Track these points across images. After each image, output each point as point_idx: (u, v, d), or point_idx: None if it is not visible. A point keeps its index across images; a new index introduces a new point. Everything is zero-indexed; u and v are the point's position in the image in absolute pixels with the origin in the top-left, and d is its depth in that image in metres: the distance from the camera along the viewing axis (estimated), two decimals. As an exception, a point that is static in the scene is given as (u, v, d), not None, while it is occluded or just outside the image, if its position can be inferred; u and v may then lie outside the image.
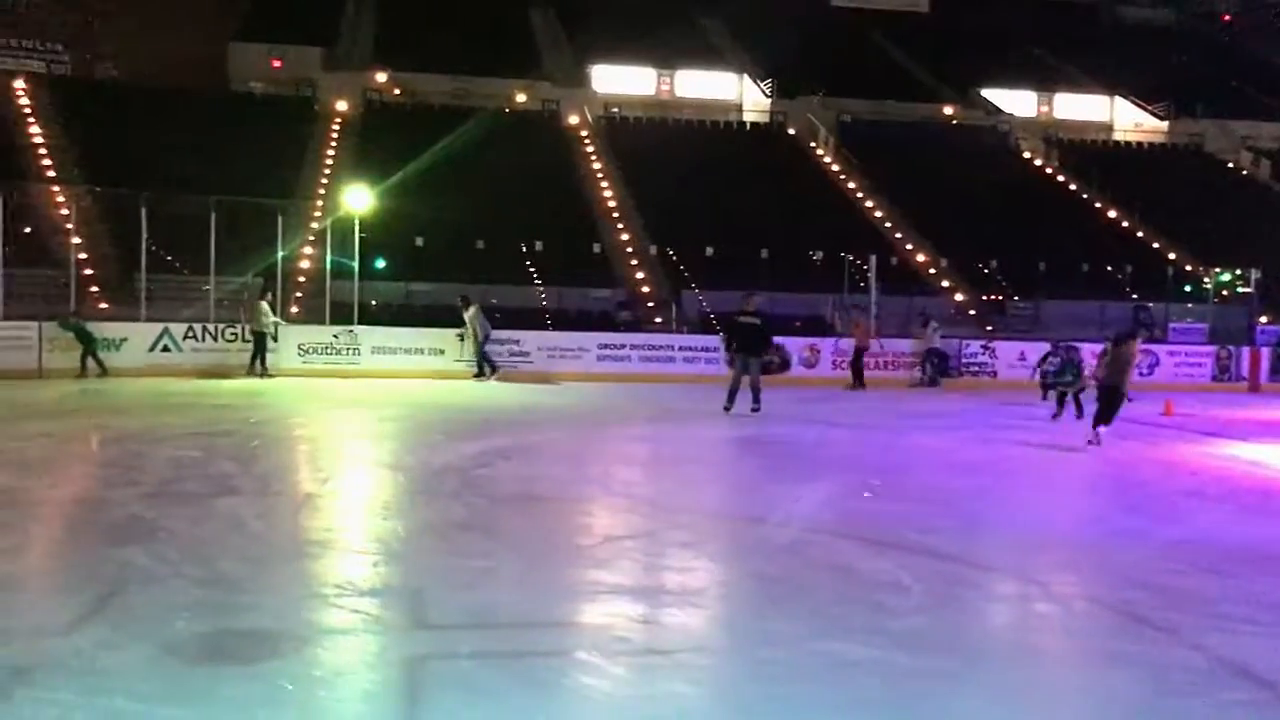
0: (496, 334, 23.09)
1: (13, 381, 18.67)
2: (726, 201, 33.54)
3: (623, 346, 24.05)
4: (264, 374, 21.22)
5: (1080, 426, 14.86)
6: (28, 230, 25.69)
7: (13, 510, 8.57)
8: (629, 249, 33.39)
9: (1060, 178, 42.77)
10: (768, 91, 47.29)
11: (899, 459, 13.00)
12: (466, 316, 22.45)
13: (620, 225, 34.79)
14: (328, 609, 5.99)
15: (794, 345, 24.23)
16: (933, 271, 33.96)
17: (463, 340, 22.87)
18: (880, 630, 5.75)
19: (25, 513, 8.63)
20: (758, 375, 16.29)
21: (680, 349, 24.28)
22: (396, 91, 43.84)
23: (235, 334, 22.14)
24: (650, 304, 30.11)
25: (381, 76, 44.06)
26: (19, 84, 36.99)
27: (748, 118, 47.23)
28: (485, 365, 22.39)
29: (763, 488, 10.59)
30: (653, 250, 32.59)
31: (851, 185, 39.81)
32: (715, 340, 23.78)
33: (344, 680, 4.96)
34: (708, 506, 9.74)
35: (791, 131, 44.72)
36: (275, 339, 21.83)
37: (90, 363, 20.45)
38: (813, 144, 43.58)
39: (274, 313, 22.00)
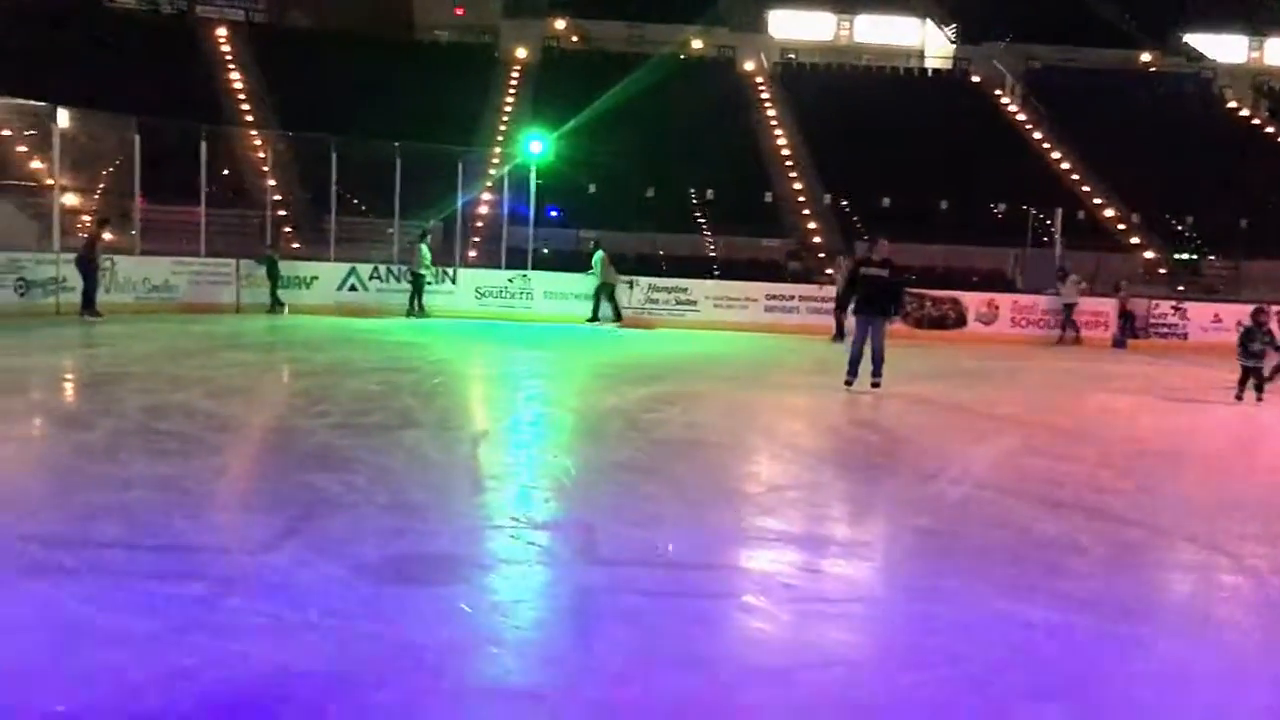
0: (663, 281, 23.28)
1: (213, 315, 19.92)
2: (904, 151, 32.69)
3: (791, 297, 23.86)
4: (420, 314, 21.97)
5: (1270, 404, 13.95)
6: (226, 172, 27.13)
7: (217, 433, 9.21)
8: (801, 198, 32.99)
9: (1269, 129, 39.98)
10: (952, 37, 45.70)
11: (1075, 421, 12.55)
12: (595, 260, 22.70)
13: (793, 174, 34.38)
14: (504, 539, 6.23)
15: (972, 300, 23.57)
16: (1122, 227, 32.41)
17: (631, 288, 23.13)
18: (1056, 592, 5.62)
19: (227, 437, 9.26)
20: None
21: (1062, 310, 23.72)
22: (574, 38, 44.24)
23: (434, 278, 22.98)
24: (821, 255, 29.73)
25: (560, 23, 44.49)
26: (220, 32, 38.92)
27: (929, 64, 45.80)
28: (601, 310, 22.65)
29: (933, 444, 10.41)
30: (825, 200, 32.11)
31: (1038, 136, 38.22)
32: (1058, 301, 23.16)
33: (520, 607, 5.17)
34: (875, 461, 9.65)
35: (976, 79, 43.14)
36: (433, 280, 22.57)
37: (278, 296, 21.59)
38: (998, 92, 41.94)
39: (442, 255, 22.76)
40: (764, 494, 7.85)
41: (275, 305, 21.50)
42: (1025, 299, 23.58)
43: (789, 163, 35.05)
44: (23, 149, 25.72)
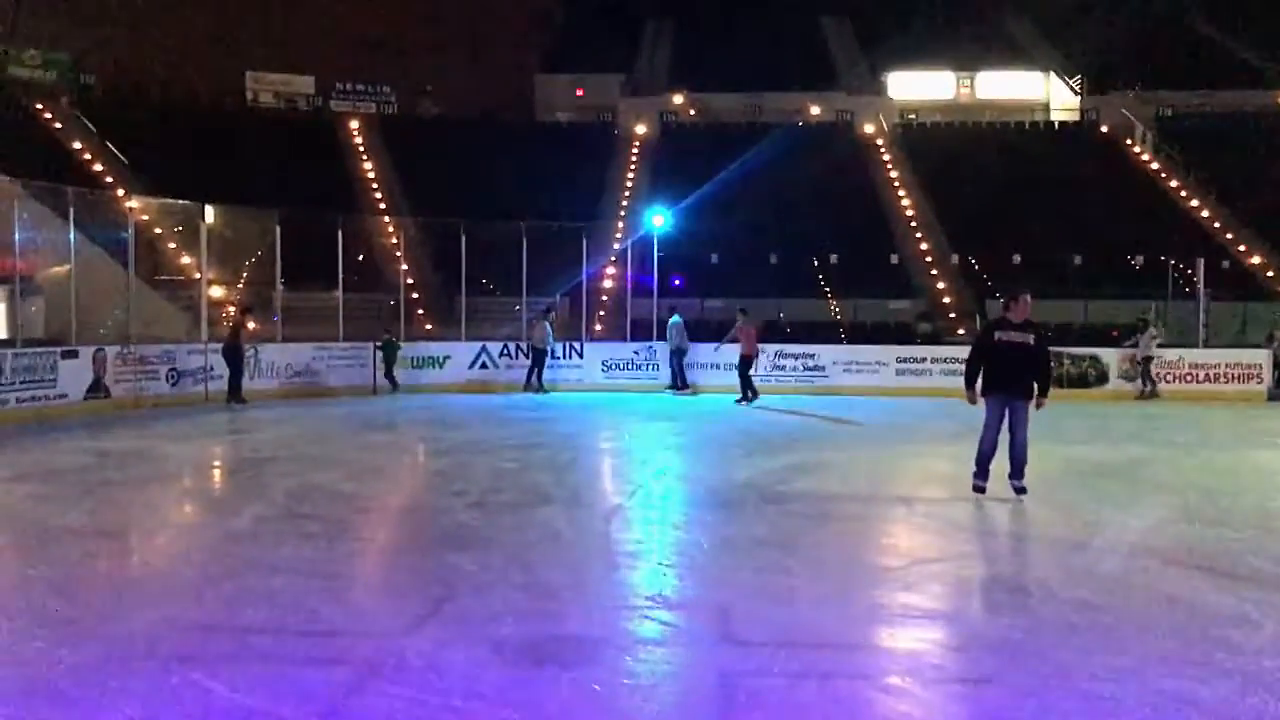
0: (789, 348, 23.15)
1: (352, 398, 20.54)
2: (1033, 205, 32.06)
3: (923, 360, 23.40)
4: (539, 389, 22.19)
5: None
6: (361, 258, 28.15)
7: (358, 515, 9.43)
8: (928, 258, 32.54)
9: None
10: (1077, 88, 44.82)
11: (1231, 480, 11.91)
12: (670, 327, 22.87)
13: (919, 234, 33.99)
14: (639, 619, 6.18)
15: (1113, 357, 22.76)
16: (1271, 274, 30.98)
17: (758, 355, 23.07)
18: (1224, 670, 5.29)
19: (368, 518, 9.46)
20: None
21: (1139, 362, 23.10)
22: (692, 112, 44.88)
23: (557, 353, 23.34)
24: (952, 315, 29.17)
25: (678, 98, 45.24)
26: (354, 124, 40.69)
27: (1055, 117, 44.98)
28: (678, 378, 22.54)
29: (1083, 510, 9.97)
30: (954, 259, 31.59)
31: (1174, 184, 37.01)
32: (1137, 353, 22.47)
33: (658, 690, 5.10)
34: (1023, 529, 9.29)
35: (1104, 129, 42.15)
36: (558, 356, 22.86)
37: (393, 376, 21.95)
38: (1128, 141, 40.87)
39: (569, 329, 23.05)
40: (906, 567, 7.62)
41: (392, 386, 21.90)
42: (1170, 354, 22.65)
43: (914, 223, 34.68)
44: (173, 245, 27.18)
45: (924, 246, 33.20)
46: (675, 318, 23.06)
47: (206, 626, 5.93)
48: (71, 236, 18.49)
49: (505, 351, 23.31)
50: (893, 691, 5.03)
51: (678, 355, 22.73)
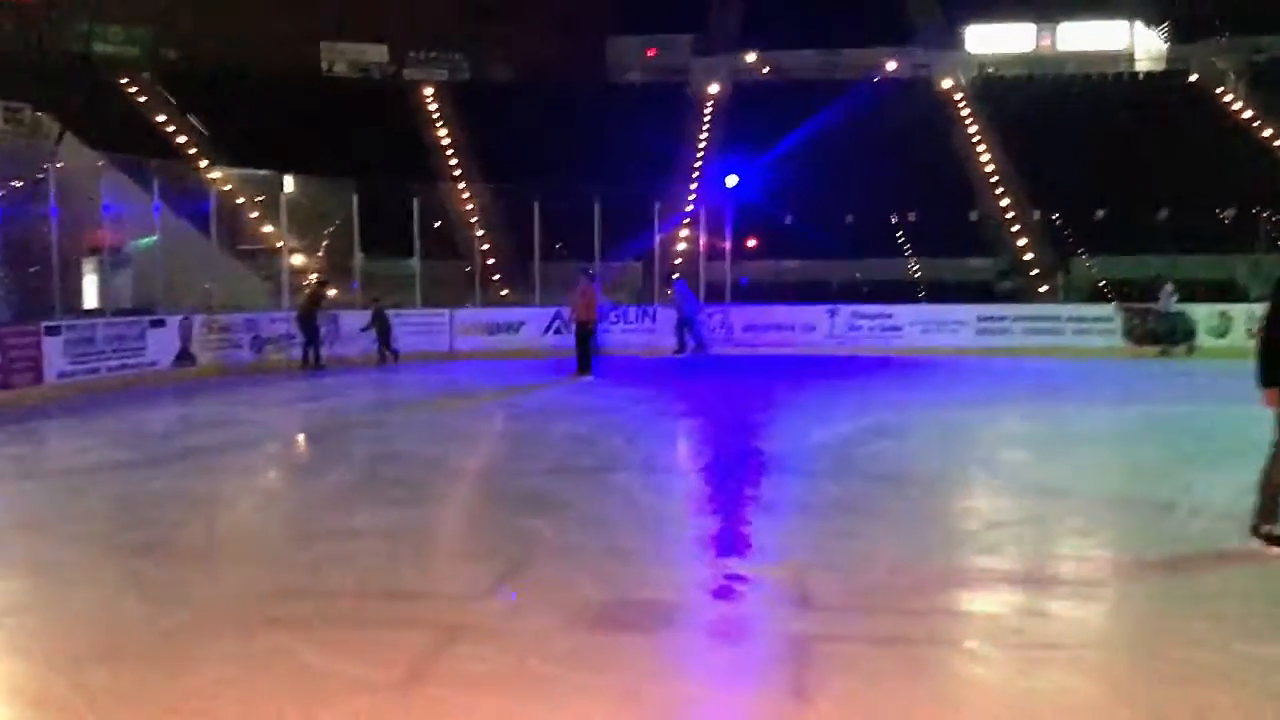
0: (865, 308, 22.98)
1: (429, 363, 20.80)
2: (1117, 159, 31.18)
3: (1004, 318, 23.00)
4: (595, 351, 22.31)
5: None
6: (437, 225, 28.34)
7: (437, 480, 9.59)
8: (1009, 215, 31.88)
9: None
10: (1164, 37, 43.34)
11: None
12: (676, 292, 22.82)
13: (999, 190, 33.30)
14: (716, 582, 6.20)
15: (1202, 313, 22.16)
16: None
17: (832, 316, 22.91)
18: (1316, 636, 5.15)
19: (447, 483, 9.62)
20: None
21: (1069, 320, 22.83)
22: (765, 70, 44.32)
23: (618, 316, 23.36)
24: (1034, 272, 28.60)
25: (751, 56, 44.70)
26: (427, 91, 40.91)
27: (1141, 67, 43.56)
28: (685, 340, 22.47)
29: (1169, 472, 9.75)
30: (1035, 215, 30.91)
31: (1267, 133, 35.68)
32: (1109, 309, 22.20)
33: (735, 653, 5.13)
34: (1106, 491, 9.11)
35: (1193, 78, 40.72)
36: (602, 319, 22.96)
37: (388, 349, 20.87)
38: (1219, 90, 39.45)
39: (642, 293, 23.07)
40: (984, 531, 7.54)
41: (384, 356, 20.68)
42: (1262, 308, 21.98)
43: (994, 179, 33.96)
44: (254, 215, 27.69)
45: (1004, 203, 32.53)
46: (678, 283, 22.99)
47: (292, 590, 6.09)
48: (156, 208, 18.95)
49: (605, 317, 23.31)
50: (972, 656, 5.00)
51: (687, 320, 22.70)
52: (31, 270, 18.67)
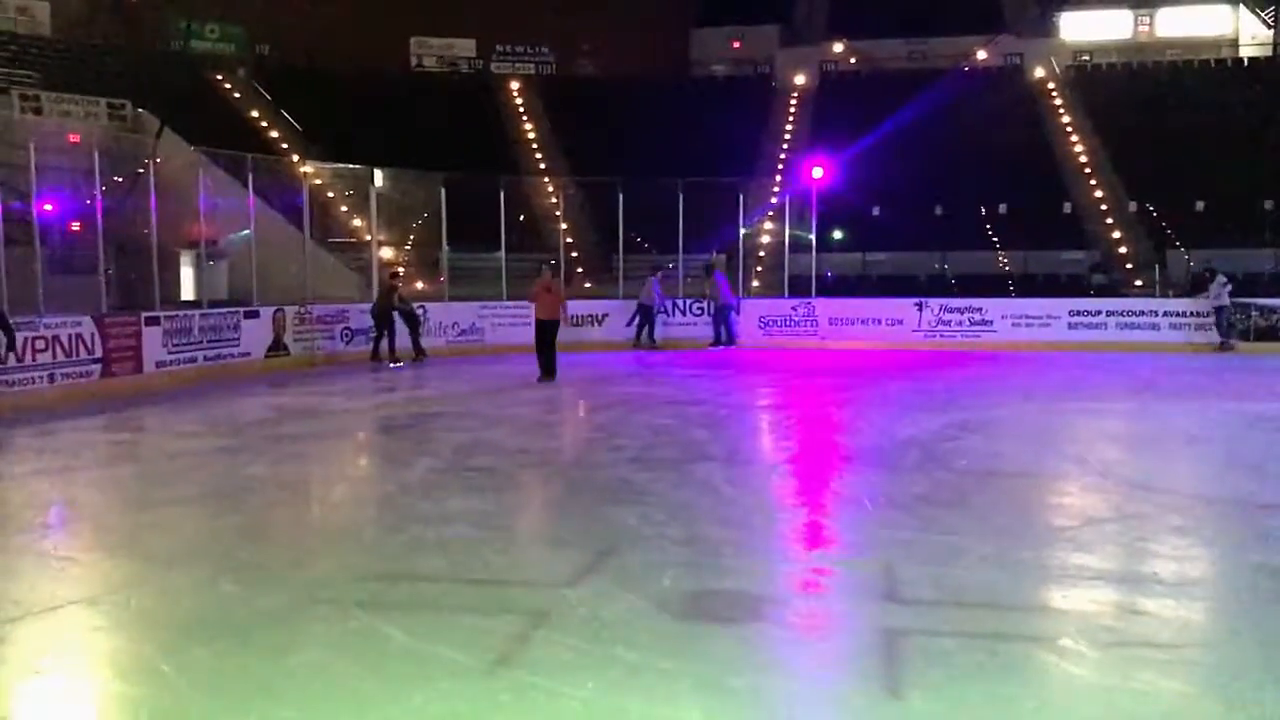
0: (954, 302, 22.65)
1: (515, 355, 21.00)
2: (1218, 149, 30.16)
3: (1098, 313, 22.45)
4: (651, 344, 22.41)
5: None
6: (522, 218, 28.55)
7: (523, 469, 9.69)
8: (1103, 207, 31.09)
9: None
10: (1270, 21, 41.84)
11: None
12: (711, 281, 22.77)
13: (1093, 182, 32.48)
14: (801, 574, 6.18)
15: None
16: None
17: (920, 310, 22.61)
18: None
19: (532, 472, 9.71)
20: None
21: (1165, 314, 22.21)
22: (852, 60, 43.84)
23: (701, 308, 23.36)
24: (1129, 266, 27.87)
25: (838, 46, 44.24)
26: (514, 85, 41.25)
27: (1245, 53, 42.10)
28: (721, 333, 22.56)
29: (1270, 470, 9.45)
30: (1131, 207, 30.11)
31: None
32: (1205, 305, 21.59)
33: (823, 648, 5.10)
34: (1206, 489, 8.86)
35: (1301, 63, 39.27)
36: (664, 312, 23.16)
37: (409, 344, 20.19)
38: (1330, 75, 37.98)
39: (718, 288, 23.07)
40: (1078, 527, 7.38)
41: (413, 353, 19.99)
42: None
43: (1088, 170, 33.14)
44: (344, 209, 28.21)
45: (1099, 194, 31.72)
46: (716, 272, 23.11)
47: (383, 575, 6.20)
48: (251, 202, 19.40)
49: (661, 309, 23.43)
50: (1066, 654, 4.90)
51: (722, 312, 22.70)
52: (131, 262, 19.24)
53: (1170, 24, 44.32)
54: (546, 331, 16.27)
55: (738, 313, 23.03)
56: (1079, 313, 22.46)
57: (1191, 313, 21.84)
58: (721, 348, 22.37)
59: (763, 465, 10.16)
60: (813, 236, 24.42)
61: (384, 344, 19.60)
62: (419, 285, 21.04)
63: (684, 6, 48.42)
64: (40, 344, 14.30)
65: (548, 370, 16.15)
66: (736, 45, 46.07)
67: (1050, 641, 5.06)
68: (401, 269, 21.94)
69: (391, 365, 19.23)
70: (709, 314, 23.12)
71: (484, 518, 7.60)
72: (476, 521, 7.45)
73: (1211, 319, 21.43)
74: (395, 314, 19.74)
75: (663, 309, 23.10)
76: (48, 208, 18.20)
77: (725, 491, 8.58)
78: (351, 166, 24.43)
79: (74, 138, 22.26)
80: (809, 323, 23.12)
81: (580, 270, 28.26)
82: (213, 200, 19.33)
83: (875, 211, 29.42)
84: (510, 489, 8.86)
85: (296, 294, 20.24)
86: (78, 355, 14.91)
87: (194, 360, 17.07)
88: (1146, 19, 44.43)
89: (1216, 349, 21.11)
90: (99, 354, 15.26)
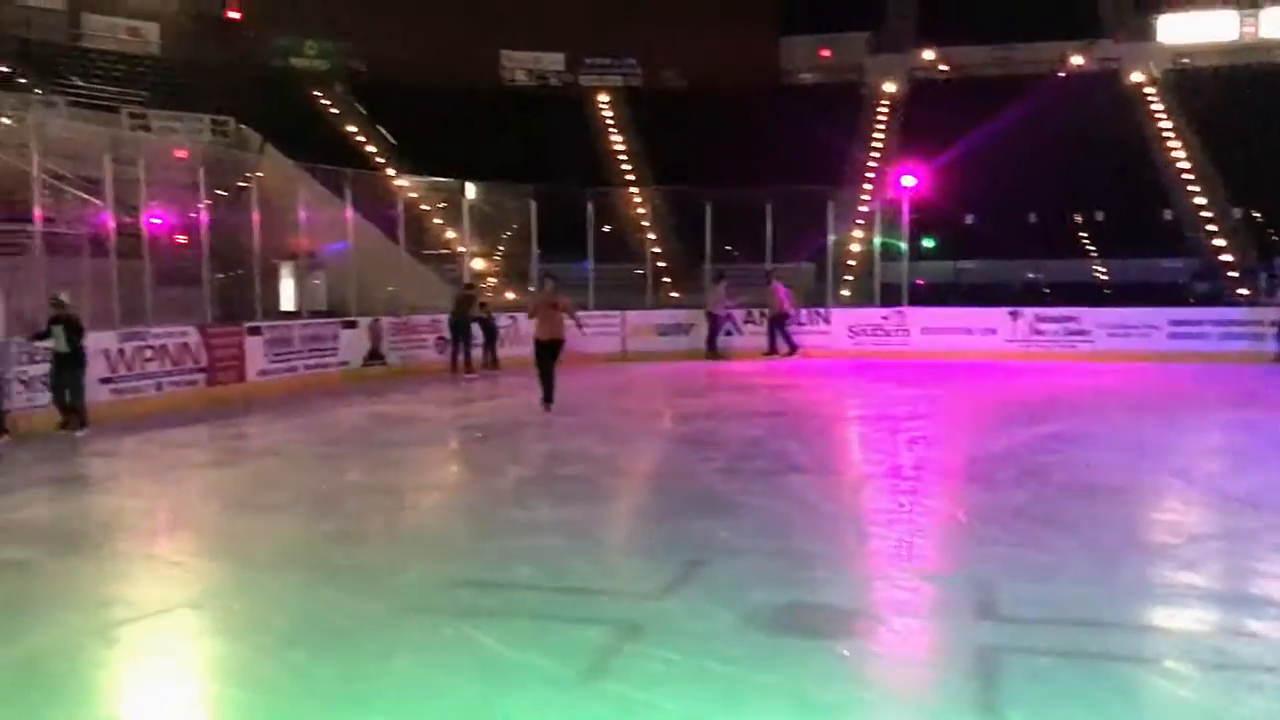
0: (1048, 311, 22.19)
1: (605, 365, 21.12)
2: (1328, 153, 29.05)
3: (1199, 323, 21.75)
4: (714, 354, 22.22)
5: None
6: (608, 229, 28.57)
7: (612, 478, 9.73)
8: (1205, 214, 30.15)
9: None
10: (1384, 19, 40.23)
11: None
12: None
13: (1194, 188, 31.52)
14: (894, 589, 6.08)
15: None
16: None
17: (1014, 319, 22.18)
18: None
19: (621, 481, 9.75)
20: None
21: (1272, 324, 21.42)
22: (943, 67, 43.23)
23: (762, 315, 23.20)
24: (1232, 274, 26.97)
25: (928, 54, 43.65)
26: (602, 98, 41.53)
27: (1355, 53, 40.49)
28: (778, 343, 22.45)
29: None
30: (1235, 214, 29.15)
31: None
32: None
33: (916, 663, 5.01)
34: (1317, 506, 8.51)
35: None
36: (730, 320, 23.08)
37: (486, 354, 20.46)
38: None
39: (814, 295, 22.89)
40: (1182, 545, 7.14)
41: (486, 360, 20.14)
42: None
43: (1188, 176, 32.18)
44: (438, 221, 28.66)
45: (1200, 201, 30.77)
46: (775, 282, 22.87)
47: (477, 582, 6.27)
48: (348, 215, 19.83)
49: (749, 318, 23.32)
50: (1171, 676, 4.75)
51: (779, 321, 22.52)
52: (234, 274, 19.79)
53: (1276, 25, 42.82)
54: (547, 352, 14.17)
55: (795, 322, 22.82)
56: (1180, 322, 21.79)
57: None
58: (778, 359, 22.18)
59: (854, 477, 10.04)
60: (904, 244, 24.09)
61: (461, 355, 19.63)
62: (509, 295, 21.27)
63: (771, 16, 48.19)
64: (149, 353, 14.78)
65: (549, 395, 14.12)
66: (825, 54, 45.74)
67: (1154, 663, 4.91)
68: (478, 280, 22.10)
69: (466, 377, 19.11)
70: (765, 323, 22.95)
71: (574, 526, 7.64)
72: (566, 530, 7.49)
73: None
74: (474, 324, 19.87)
75: (729, 318, 23.01)
76: (155, 221, 18.82)
77: (816, 504, 8.49)
78: (444, 179, 24.83)
79: (180, 154, 23.01)
80: (900, 332, 22.81)
81: (667, 280, 28.29)
82: (312, 213, 19.80)
83: (968, 219, 28.93)
84: (599, 498, 8.89)
85: (392, 304, 20.60)
86: (184, 364, 15.39)
87: (294, 369, 17.50)
88: (1252, 20, 42.98)
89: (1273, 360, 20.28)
90: (204, 363, 15.73)
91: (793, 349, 22.50)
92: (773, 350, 22.46)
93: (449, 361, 19.69)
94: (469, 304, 19.93)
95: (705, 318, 22.82)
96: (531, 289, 23.23)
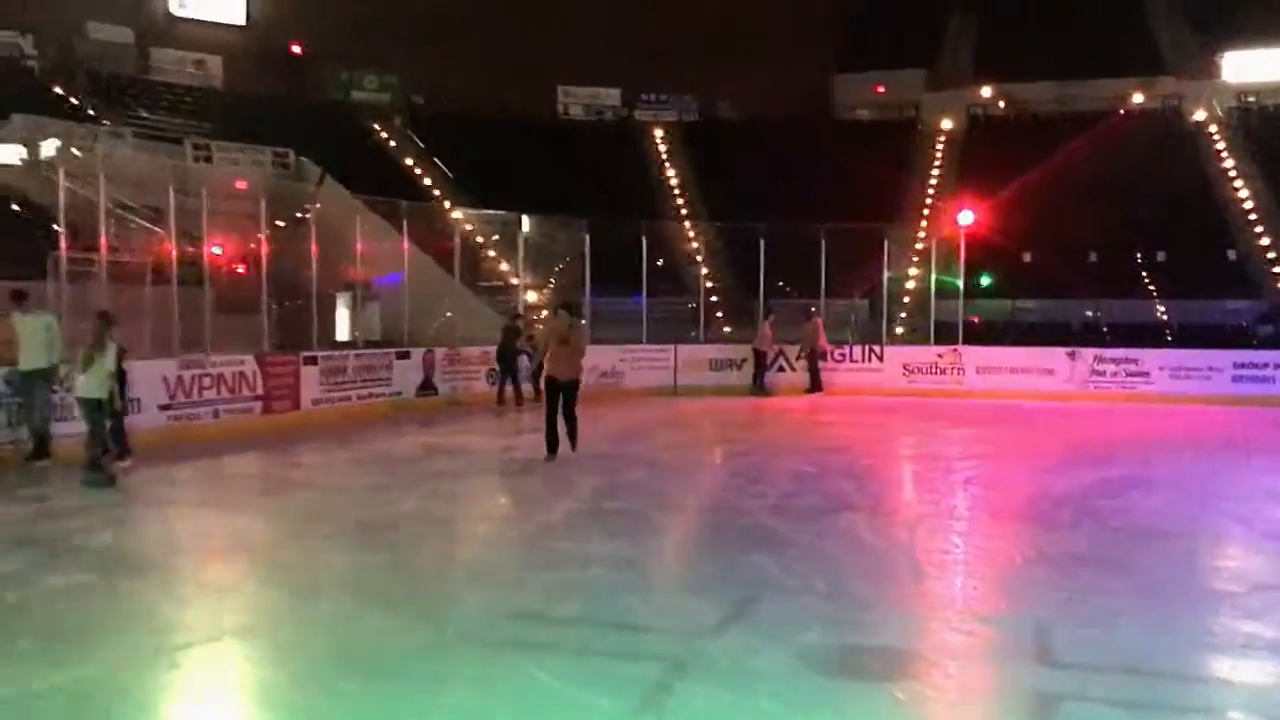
0: (1109, 352, 21.86)
1: (656, 398, 21.13)
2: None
3: (1265, 365, 21.30)
4: (760, 391, 22.03)
5: None
6: (661, 262, 28.59)
7: (662, 513, 9.71)
8: (1271, 254, 29.65)
9: None
10: None
11: None
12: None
13: (1260, 228, 31.03)
14: (951, 633, 6.00)
15: None
16: None
17: (1073, 359, 21.90)
18: None
19: (671, 516, 9.72)
20: None
21: None
22: (1001, 104, 43.07)
23: (844, 354, 23.04)
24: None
25: (985, 90, 43.55)
26: (657, 133, 41.86)
27: None
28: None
29: None
30: (1302, 254, 28.70)
31: None
32: None
33: (972, 707, 4.94)
34: (1389, 557, 8.29)
35: None
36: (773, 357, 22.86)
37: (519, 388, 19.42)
38: None
39: (868, 332, 22.69)
40: (1246, 594, 6.98)
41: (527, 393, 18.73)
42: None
43: (1253, 216, 31.69)
44: (492, 253, 28.98)
45: (1265, 241, 30.29)
46: (812, 320, 22.71)
47: (527, 615, 6.27)
48: (404, 246, 20.08)
49: (801, 354, 23.20)
50: (1236, 729, 4.63)
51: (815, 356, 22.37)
52: (292, 304, 20.11)
53: (1344, 63, 42.19)
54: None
55: (825, 360, 22.63)
56: (1244, 365, 21.36)
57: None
58: (818, 395, 22.02)
59: (908, 517, 9.93)
60: (960, 282, 23.92)
61: (510, 387, 19.55)
62: (523, 332, 21.42)
63: (827, 52, 48.43)
64: (207, 381, 15.02)
65: (553, 445, 12.25)
66: (880, 90, 45.79)
67: (1218, 714, 4.81)
68: (529, 312, 22.17)
69: (516, 408, 18.90)
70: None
71: (624, 561, 7.63)
72: (616, 565, 7.48)
73: None
74: (520, 356, 19.83)
75: (780, 353, 22.88)
76: (216, 250, 19.16)
77: (870, 543, 8.41)
78: (500, 212, 25.11)
79: (242, 185, 23.50)
80: (955, 371, 22.57)
81: (720, 315, 28.31)
82: (368, 244, 20.07)
83: (1026, 257, 28.68)
84: (649, 533, 8.87)
85: (446, 336, 20.79)
86: (240, 392, 15.61)
87: (348, 399, 17.67)
88: (1318, 57, 42.40)
89: None
90: (260, 391, 15.94)
91: (816, 388, 22.27)
92: (815, 387, 22.31)
93: (497, 393, 19.68)
94: (515, 335, 19.93)
95: (752, 354, 22.73)
96: (584, 322, 23.36)
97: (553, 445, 12.29)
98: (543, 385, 12.59)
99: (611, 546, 8.10)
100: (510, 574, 7.51)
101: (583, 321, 20.52)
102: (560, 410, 12.23)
